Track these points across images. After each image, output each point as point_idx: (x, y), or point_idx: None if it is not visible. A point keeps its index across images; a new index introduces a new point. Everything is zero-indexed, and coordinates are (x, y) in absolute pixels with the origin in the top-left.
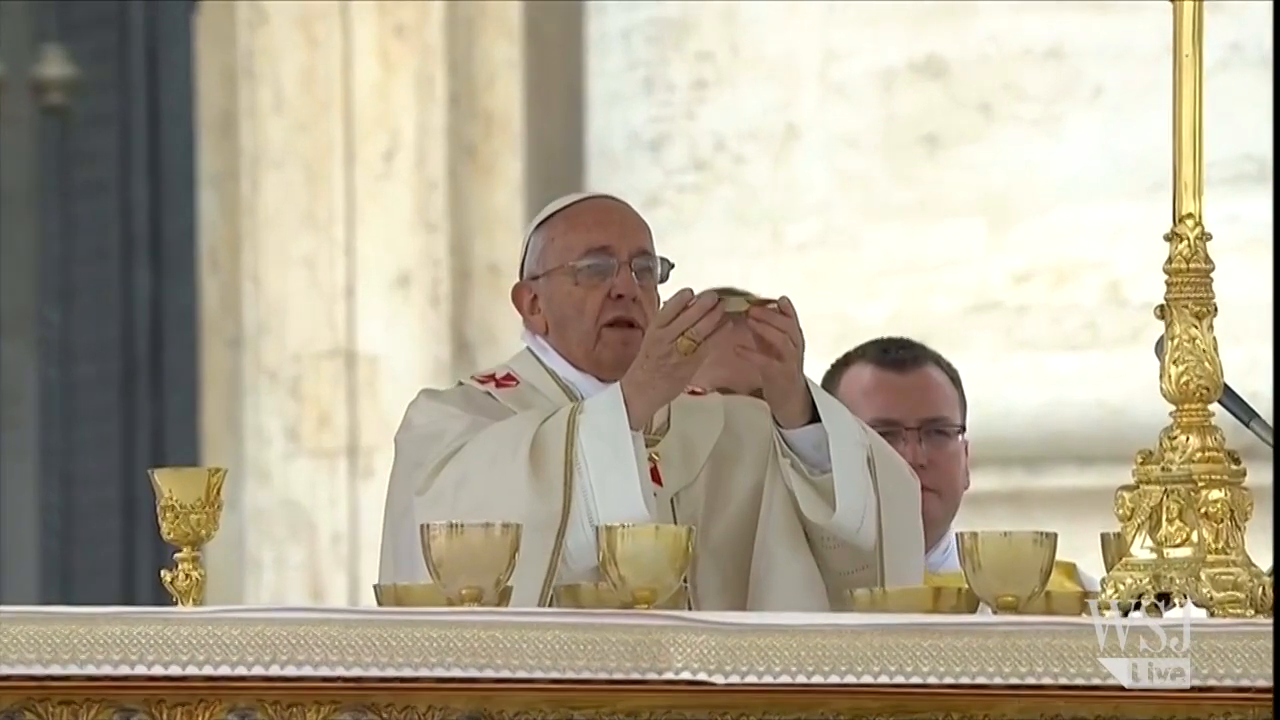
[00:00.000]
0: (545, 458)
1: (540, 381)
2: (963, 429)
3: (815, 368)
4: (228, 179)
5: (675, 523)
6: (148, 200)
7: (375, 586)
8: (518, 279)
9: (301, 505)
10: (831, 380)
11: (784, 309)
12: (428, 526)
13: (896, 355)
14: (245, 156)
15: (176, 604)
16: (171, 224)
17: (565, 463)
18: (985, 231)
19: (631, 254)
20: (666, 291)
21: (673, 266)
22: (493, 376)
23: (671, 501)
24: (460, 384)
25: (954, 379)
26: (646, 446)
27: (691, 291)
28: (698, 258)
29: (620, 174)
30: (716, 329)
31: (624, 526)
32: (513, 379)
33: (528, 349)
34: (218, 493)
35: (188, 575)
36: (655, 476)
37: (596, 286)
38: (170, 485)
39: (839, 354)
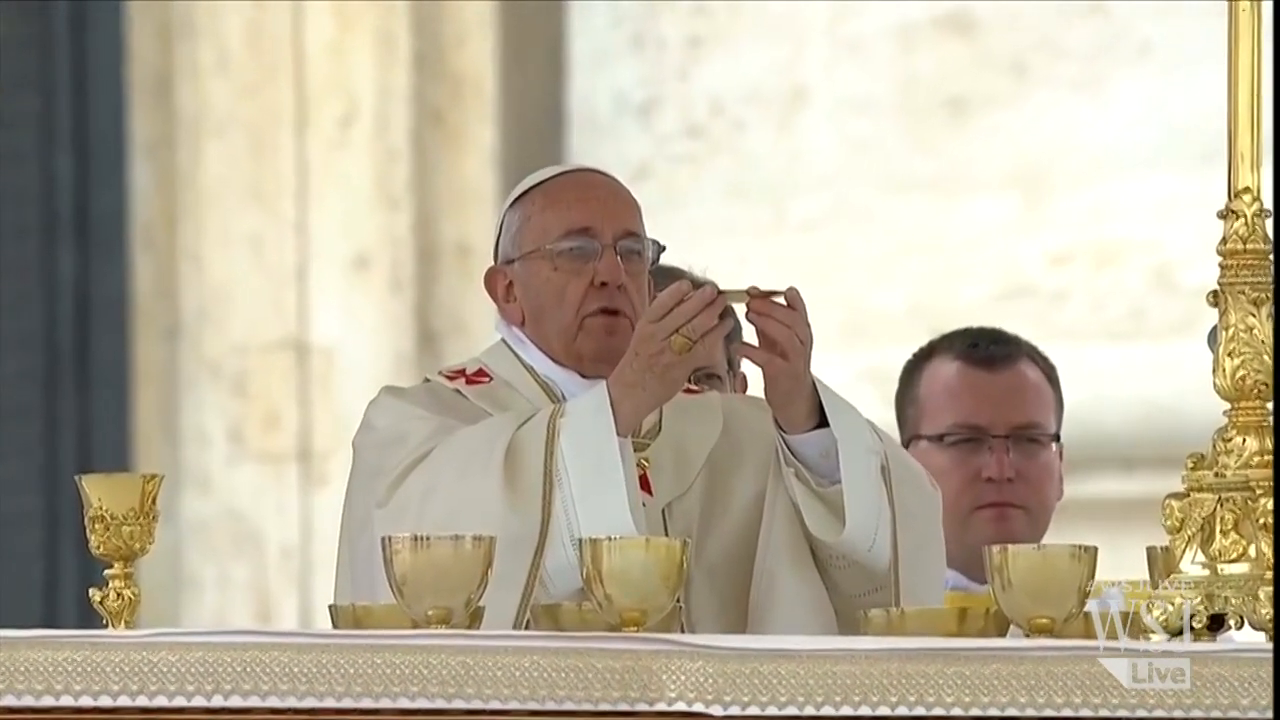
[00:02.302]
0: (521, 467)
1: (516, 378)
2: (1058, 436)
3: (824, 363)
4: (163, 148)
5: (667, 536)
6: (72, 172)
7: (331, 607)
8: (491, 262)
9: (247, 516)
10: (911, 374)
11: (790, 301)
12: (390, 539)
13: (987, 351)
14: (183, 123)
15: (106, 627)
16: (99, 199)
17: (544, 473)
18: (1017, 207)
19: (616, 235)
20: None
21: (664, 249)
22: (462, 372)
23: (663, 513)
24: (426, 380)
25: (1051, 377)
26: (636, 452)
27: (690, 284)
28: (691, 237)
29: (605, 142)
30: (716, 328)
31: (610, 539)
32: (485, 375)
33: (502, 341)
34: (153, 502)
35: (119, 594)
36: (645, 485)
37: (578, 272)
38: (99, 493)
39: (846, 345)
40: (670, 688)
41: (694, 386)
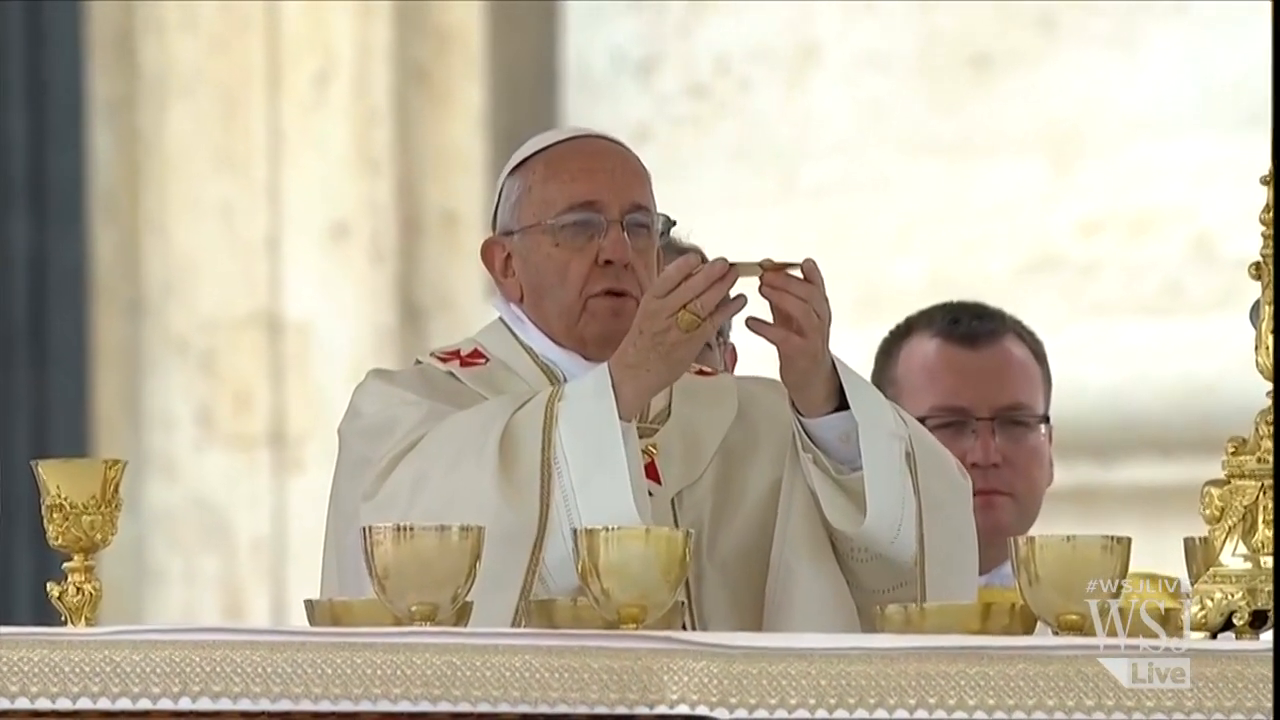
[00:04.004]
0: (517, 455)
1: (514, 359)
2: (1046, 418)
3: (837, 340)
4: (125, 109)
5: (676, 528)
6: (26, 134)
7: (307, 602)
8: (482, 231)
9: (216, 504)
10: (887, 354)
11: (807, 274)
12: (370, 529)
13: (968, 327)
14: (147, 82)
15: (65, 623)
16: (56, 163)
17: (542, 461)
18: (1045, 173)
19: (624, 209)
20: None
21: (674, 224)
22: (457, 353)
23: (672, 503)
24: (418, 362)
25: (1038, 355)
26: (642, 438)
27: (699, 257)
28: (694, 205)
29: (602, 103)
30: (729, 306)
31: (607, 530)
32: (481, 356)
33: (499, 319)
34: (115, 489)
35: (79, 589)
36: (652, 474)
37: (581, 249)
38: (57, 480)
39: (862, 321)
40: (672, 689)
41: (706, 368)
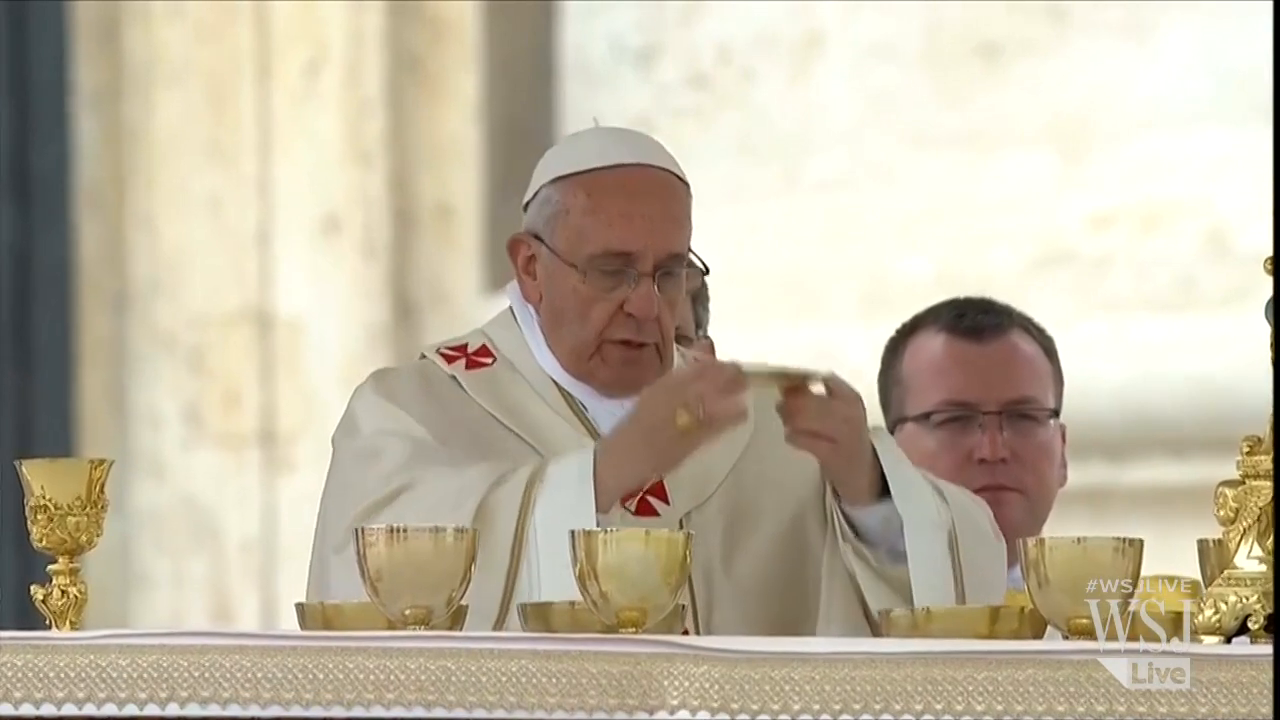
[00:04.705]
0: (490, 536)
1: (522, 361)
2: (1056, 413)
3: (842, 338)
4: (110, 99)
5: None
6: (9, 125)
7: (298, 606)
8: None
9: (204, 505)
10: (894, 351)
11: (831, 389)
12: (363, 531)
13: (975, 321)
14: (133, 71)
15: (50, 628)
16: (40, 155)
17: (513, 543)
18: (1055, 165)
19: (659, 261)
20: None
21: (707, 273)
22: (463, 349)
23: (680, 525)
24: (422, 357)
25: (1047, 350)
26: None
27: (712, 359)
28: (696, 199)
29: (600, 94)
30: (730, 418)
31: (606, 531)
32: (489, 354)
33: (512, 312)
34: (101, 490)
35: (64, 592)
36: (660, 493)
37: (608, 293)
38: (42, 480)
39: (867, 318)
40: (672, 694)
41: None
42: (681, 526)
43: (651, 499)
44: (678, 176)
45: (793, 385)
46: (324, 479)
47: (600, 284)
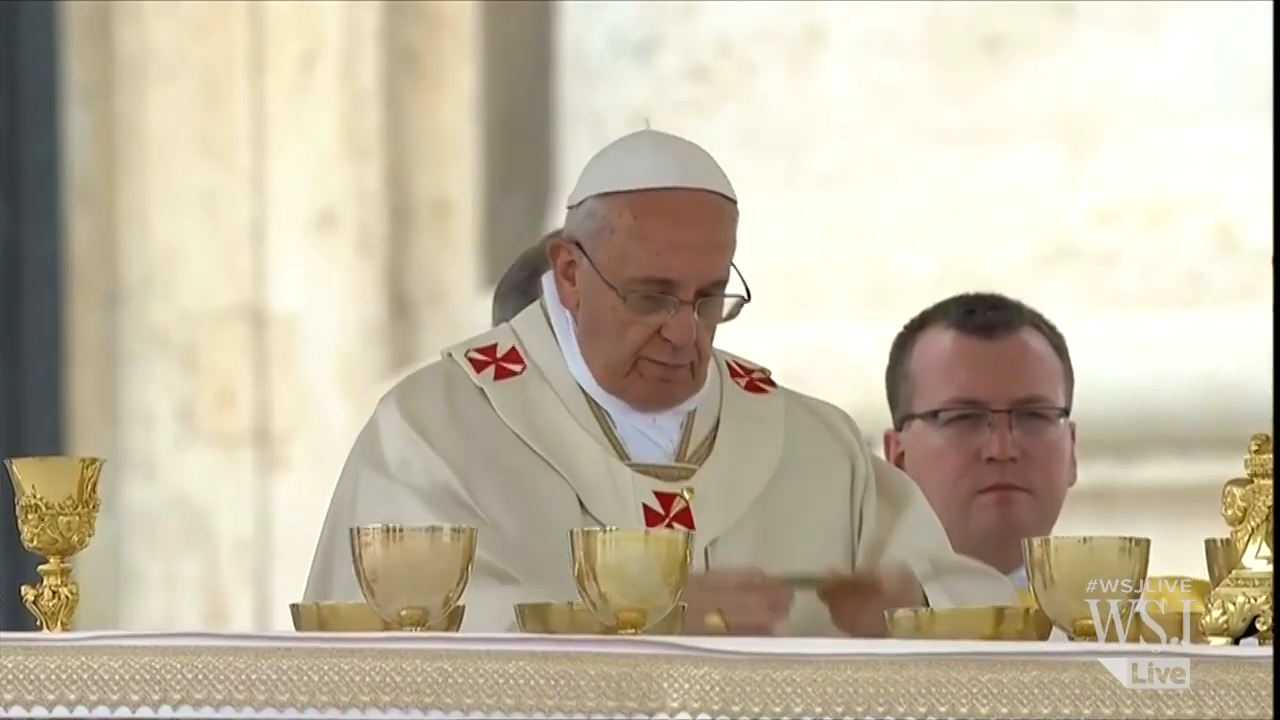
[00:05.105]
0: None
1: (552, 369)
2: (1066, 411)
3: (845, 333)
4: (102, 94)
5: None
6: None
7: (292, 607)
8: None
9: (197, 505)
10: (902, 348)
11: (875, 583)
12: (359, 531)
13: (984, 318)
14: (125, 65)
15: (41, 629)
16: (31, 150)
17: None
18: (1061, 160)
19: (701, 290)
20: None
21: (748, 301)
22: (493, 350)
23: (705, 552)
24: (449, 357)
25: (1058, 348)
26: (678, 480)
27: (761, 575)
28: None
29: (599, 87)
30: (758, 627)
31: (606, 530)
32: (518, 360)
33: (546, 317)
34: (92, 489)
35: (55, 592)
36: (686, 520)
37: (646, 316)
38: (32, 479)
39: (870, 314)
40: (672, 696)
41: (764, 385)
42: (706, 555)
43: (677, 525)
44: (726, 197)
45: (839, 585)
46: (322, 480)
47: (639, 307)
